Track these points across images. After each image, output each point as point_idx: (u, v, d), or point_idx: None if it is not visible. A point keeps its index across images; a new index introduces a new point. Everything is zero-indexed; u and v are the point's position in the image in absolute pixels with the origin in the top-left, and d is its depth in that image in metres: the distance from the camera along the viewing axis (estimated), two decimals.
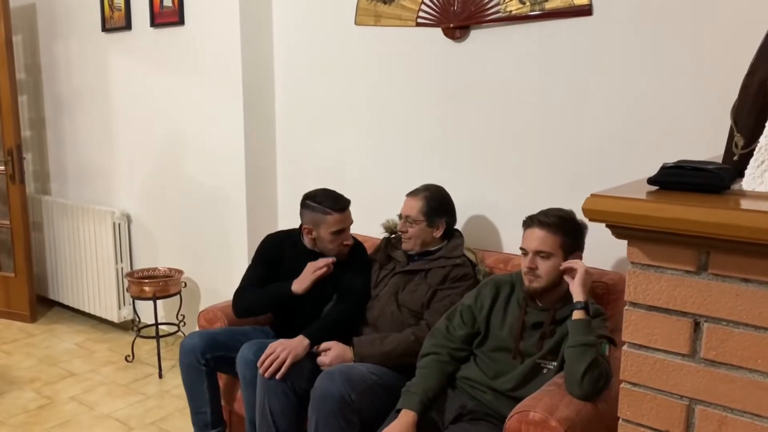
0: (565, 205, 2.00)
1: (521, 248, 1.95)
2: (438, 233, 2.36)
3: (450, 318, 2.10)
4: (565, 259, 1.89)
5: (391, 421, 1.92)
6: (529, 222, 1.93)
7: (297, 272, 2.38)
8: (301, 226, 2.45)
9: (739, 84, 1.26)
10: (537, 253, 1.90)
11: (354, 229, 2.86)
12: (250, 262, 2.51)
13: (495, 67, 2.53)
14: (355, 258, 2.48)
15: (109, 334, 3.93)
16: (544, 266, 1.89)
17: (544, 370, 1.90)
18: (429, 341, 2.08)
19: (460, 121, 2.66)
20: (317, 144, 3.18)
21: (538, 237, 1.89)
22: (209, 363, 2.37)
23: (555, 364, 1.89)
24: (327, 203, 2.36)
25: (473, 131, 2.63)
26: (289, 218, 3.31)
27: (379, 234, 2.62)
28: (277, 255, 2.48)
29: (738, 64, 1.66)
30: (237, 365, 2.26)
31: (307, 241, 2.44)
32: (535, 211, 1.97)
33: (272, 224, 3.36)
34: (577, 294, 1.82)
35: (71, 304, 4.19)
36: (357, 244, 2.52)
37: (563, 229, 1.89)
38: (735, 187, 1.11)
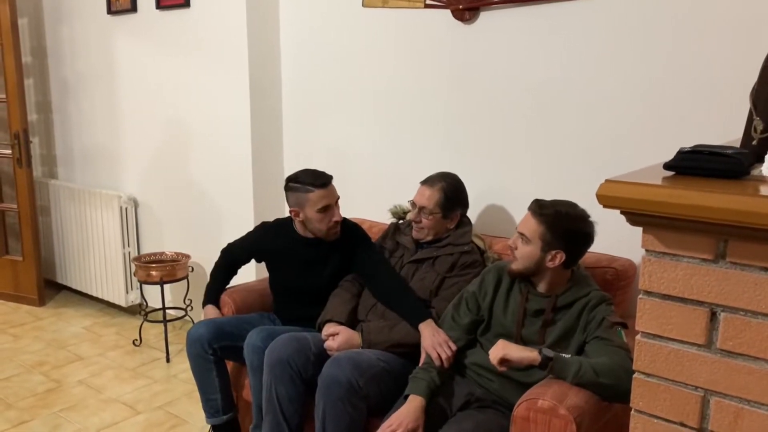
0: (578, 191, 1.97)
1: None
2: (452, 224, 2.33)
3: (456, 306, 2.10)
4: (544, 251, 1.85)
5: (400, 407, 1.92)
6: (531, 204, 1.92)
7: (293, 261, 2.41)
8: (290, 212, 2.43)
9: (759, 65, 1.23)
10: (520, 234, 1.90)
11: (361, 215, 2.84)
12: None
13: (505, 50, 2.48)
14: (357, 238, 2.45)
15: (116, 318, 3.94)
16: (521, 249, 1.89)
17: None
18: None
19: (470, 105, 2.62)
20: (324, 128, 3.15)
21: (527, 220, 1.89)
22: (216, 352, 2.37)
23: (567, 356, 1.85)
24: (307, 180, 2.32)
25: (483, 115, 2.59)
26: None
27: (387, 220, 2.60)
28: (263, 247, 2.52)
29: (758, 45, 1.63)
30: (244, 352, 2.25)
31: (298, 226, 2.41)
32: (547, 197, 1.94)
33: (279, 208, 3.34)
34: (528, 360, 1.76)
35: (79, 288, 4.21)
36: (355, 227, 2.49)
37: (551, 224, 1.85)
38: (754, 172, 1.08)
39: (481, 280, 2.07)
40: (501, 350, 1.79)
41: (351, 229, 2.46)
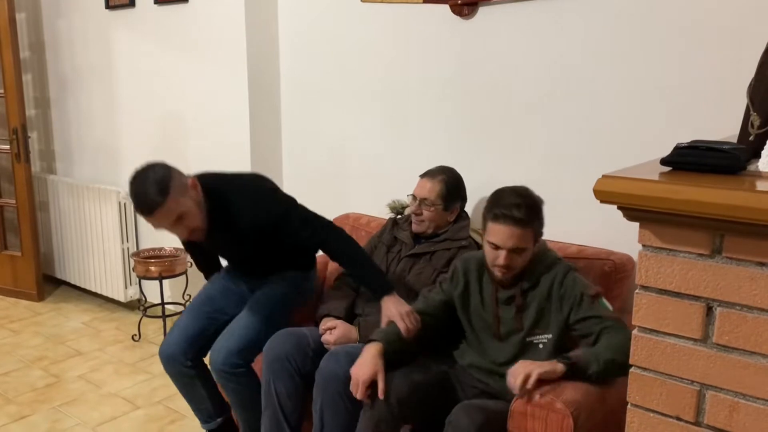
0: (577, 186, 1.97)
1: (490, 242, 1.85)
2: (452, 217, 2.34)
3: (430, 290, 2.12)
4: (534, 245, 1.86)
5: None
6: (500, 217, 1.82)
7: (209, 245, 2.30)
8: None
9: (756, 61, 1.23)
10: (513, 250, 1.82)
11: (359, 210, 2.85)
12: None
13: (503, 45, 2.48)
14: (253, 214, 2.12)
15: (115, 314, 3.94)
16: (519, 259, 1.85)
17: (540, 345, 1.88)
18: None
19: (468, 101, 2.62)
20: (323, 123, 3.15)
21: (514, 235, 1.81)
22: (194, 361, 2.29)
23: (549, 336, 1.87)
24: (133, 203, 2.05)
25: (481, 110, 2.59)
26: (294, 195, 3.27)
27: (386, 215, 2.60)
28: None
29: (755, 41, 1.63)
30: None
31: None
32: (544, 192, 1.93)
33: None
34: (556, 374, 1.70)
35: (78, 284, 4.21)
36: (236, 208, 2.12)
37: (532, 219, 1.83)
38: (751, 167, 1.09)
39: (452, 273, 2.06)
40: (532, 372, 1.69)
41: (246, 215, 2.12)
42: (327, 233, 2.20)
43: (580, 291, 1.83)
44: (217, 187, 2.13)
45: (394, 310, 2.00)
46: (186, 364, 2.29)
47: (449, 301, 2.03)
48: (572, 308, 1.83)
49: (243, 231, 2.12)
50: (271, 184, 2.27)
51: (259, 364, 2.24)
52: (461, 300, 2.01)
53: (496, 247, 1.84)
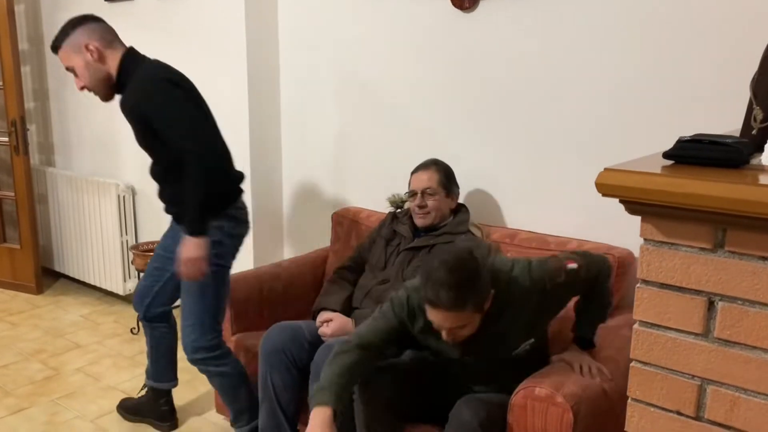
0: (578, 179, 1.95)
1: (430, 319, 1.71)
2: (453, 204, 2.36)
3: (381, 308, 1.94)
4: (483, 311, 1.71)
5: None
6: (430, 302, 1.65)
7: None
8: None
9: (759, 54, 1.22)
10: (458, 327, 1.69)
11: (359, 204, 2.84)
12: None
13: (504, 39, 2.47)
14: (135, 99, 2.18)
15: (114, 307, 3.94)
16: (465, 331, 1.70)
17: (522, 352, 1.83)
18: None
19: (467, 94, 2.61)
20: (322, 116, 3.14)
21: (449, 318, 1.66)
22: (146, 317, 2.53)
23: (531, 341, 1.82)
24: None
25: (481, 104, 2.58)
26: (293, 188, 3.29)
27: (385, 209, 2.60)
28: None
29: (758, 34, 1.62)
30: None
31: None
32: (542, 187, 1.91)
33: (276, 196, 3.34)
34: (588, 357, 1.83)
35: (77, 276, 4.20)
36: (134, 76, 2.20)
37: (466, 298, 1.63)
38: (754, 161, 1.08)
39: (408, 307, 1.83)
40: (591, 365, 1.78)
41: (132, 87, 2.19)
42: (194, 146, 2.07)
43: (557, 281, 1.74)
44: (129, 67, 2.23)
45: (184, 253, 2.06)
46: (141, 317, 2.58)
47: (399, 327, 1.85)
48: (558, 296, 1.80)
49: (128, 114, 2.21)
50: (179, 79, 2.23)
51: (256, 362, 2.25)
52: (424, 335, 1.85)
53: (438, 324, 1.71)
